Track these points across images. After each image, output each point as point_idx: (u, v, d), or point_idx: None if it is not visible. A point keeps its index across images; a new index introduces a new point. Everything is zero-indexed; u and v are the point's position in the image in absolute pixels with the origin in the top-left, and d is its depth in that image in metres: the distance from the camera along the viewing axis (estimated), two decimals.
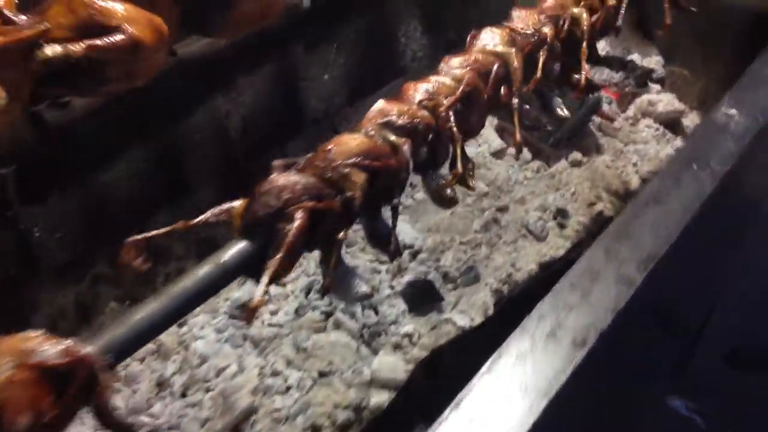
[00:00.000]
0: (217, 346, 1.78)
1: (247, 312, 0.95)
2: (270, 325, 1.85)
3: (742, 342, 2.62)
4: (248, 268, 1.07)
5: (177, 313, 0.96)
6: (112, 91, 1.46)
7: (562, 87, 1.82)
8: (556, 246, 2.14)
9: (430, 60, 2.87)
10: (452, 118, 1.26)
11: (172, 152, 2.14)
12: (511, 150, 2.39)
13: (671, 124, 2.49)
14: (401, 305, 1.90)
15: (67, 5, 1.25)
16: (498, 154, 2.38)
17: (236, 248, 1.04)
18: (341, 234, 1.12)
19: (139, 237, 1.02)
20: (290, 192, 1.04)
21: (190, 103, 2.19)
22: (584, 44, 1.53)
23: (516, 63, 1.38)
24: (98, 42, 1.26)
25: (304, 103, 2.48)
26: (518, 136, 1.36)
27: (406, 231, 2.08)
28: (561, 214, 2.21)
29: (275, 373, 1.73)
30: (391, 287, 1.96)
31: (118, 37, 1.31)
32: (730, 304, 2.59)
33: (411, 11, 2.80)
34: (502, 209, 2.22)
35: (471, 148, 2.35)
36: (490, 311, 1.95)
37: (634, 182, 2.33)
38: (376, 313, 1.87)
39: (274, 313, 1.88)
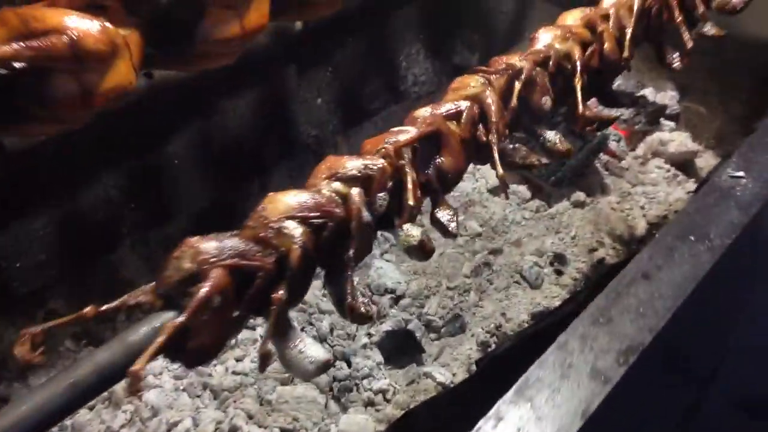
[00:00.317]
0: (173, 395, 1.64)
1: (130, 379, 0.81)
2: (234, 372, 1.72)
3: (752, 389, 2.48)
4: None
5: (70, 407, 0.83)
6: (67, 116, 1.34)
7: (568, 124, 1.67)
8: (551, 295, 1.98)
9: (434, 85, 2.73)
10: (407, 159, 1.12)
11: (144, 180, 2.02)
12: (511, 187, 2.24)
13: (684, 164, 2.33)
14: (377, 357, 1.76)
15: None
16: (495, 191, 2.23)
17: (149, 324, 0.90)
18: (279, 293, 0.99)
19: (36, 329, 0.89)
20: (208, 254, 0.91)
21: (166, 128, 2.06)
22: (576, 78, 1.38)
23: (490, 100, 1.24)
24: (33, 43, 1.14)
25: (293, 130, 2.35)
26: (499, 170, 1.22)
27: (389, 274, 1.94)
28: (559, 260, 2.06)
29: (233, 430, 1.59)
30: (369, 335, 1.81)
31: (55, 38, 1.19)
32: (740, 351, 2.44)
33: (413, 33, 2.66)
34: (496, 252, 2.07)
35: (467, 184, 2.21)
36: (477, 362, 1.80)
37: (641, 227, 2.17)
38: (349, 365, 1.73)
39: (239, 359, 1.75)
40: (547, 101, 1.38)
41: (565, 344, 0.94)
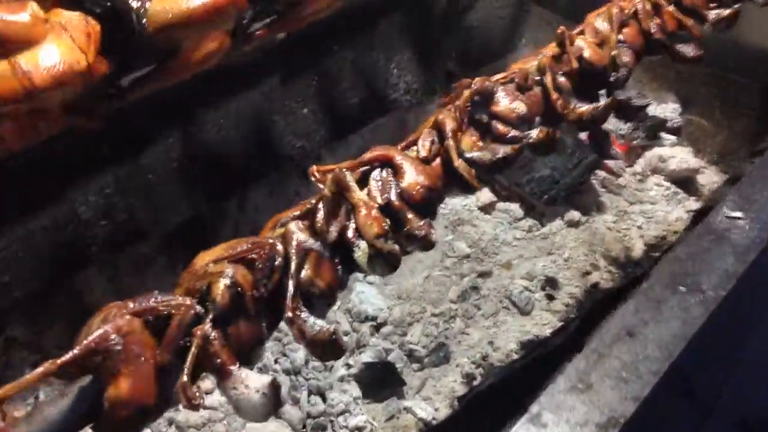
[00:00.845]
0: None
1: None
2: (203, 407, 1.62)
3: (752, 412, 2.38)
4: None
5: None
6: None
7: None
8: (542, 322, 1.88)
9: (427, 93, 2.63)
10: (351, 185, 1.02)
11: (116, 196, 1.91)
12: (502, 205, 2.14)
13: (684, 182, 2.22)
14: (354, 390, 1.66)
15: None
16: (486, 209, 2.13)
17: (69, 394, 0.81)
18: (202, 328, 0.90)
19: None
20: (118, 308, 0.83)
21: (140, 139, 1.96)
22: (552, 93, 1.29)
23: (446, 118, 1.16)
24: None
25: (275, 142, 2.24)
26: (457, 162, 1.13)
27: (371, 299, 1.84)
28: (550, 284, 1.95)
29: None
30: (347, 366, 1.72)
31: None
32: (742, 374, 2.33)
33: (403, 40, 2.55)
34: (485, 275, 1.97)
35: (457, 200, 2.11)
36: (459, 399, 1.70)
37: (638, 248, 2.06)
38: (324, 399, 1.63)
39: (209, 392, 1.65)
40: (519, 106, 1.27)
41: (538, 416, 0.84)
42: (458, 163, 1.11)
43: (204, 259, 0.96)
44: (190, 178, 2.02)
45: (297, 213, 1.04)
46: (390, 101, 2.50)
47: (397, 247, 1.02)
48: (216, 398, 1.64)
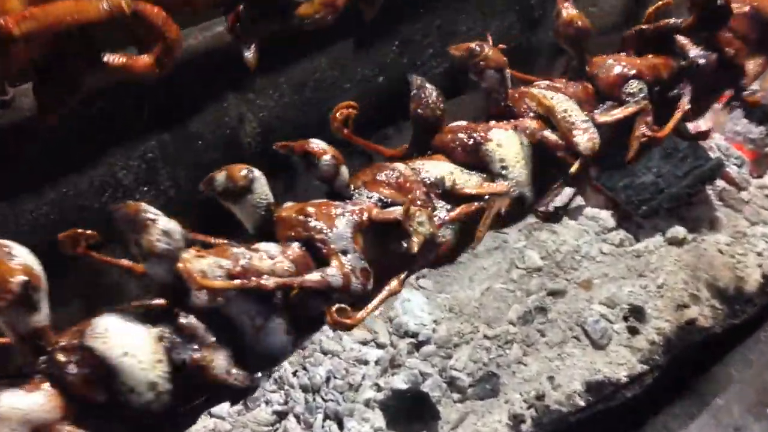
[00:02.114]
0: None
1: None
2: (210, 414, 1.45)
3: None
4: None
5: None
6: None
7: None
8: (618, 360, 1.58)
9: (526, 64, 2.31)
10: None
11: (157, 161, 1.75)
12: (591, 210, 1.82)
13: None
14: (378, 420, 1.44)
15: None
16: (571, 213, 1.82)
17: None
18: None
19: None
20: None
21: (190, 103, 1.78)
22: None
23: None
24: None
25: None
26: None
27: (415, 310, 1.60)
28: (636, 315, 1.64)
29: None
30: (376, 387, 1.49)
31: None
32: None
33: (505, 3, 2.25)
34: (556, 294, 1.68)
35: None
36: None
37: (753, 281, 1.70)
38: (341, 427, 1.42)
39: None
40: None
41: None
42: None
43: None
44: (239, 148, 1.83)
45: None
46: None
47: None
48: (224, 406, 1.46)
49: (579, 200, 1.81)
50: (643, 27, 1.46)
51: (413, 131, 1.16)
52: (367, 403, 1.46)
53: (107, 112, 1.64)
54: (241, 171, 0.85)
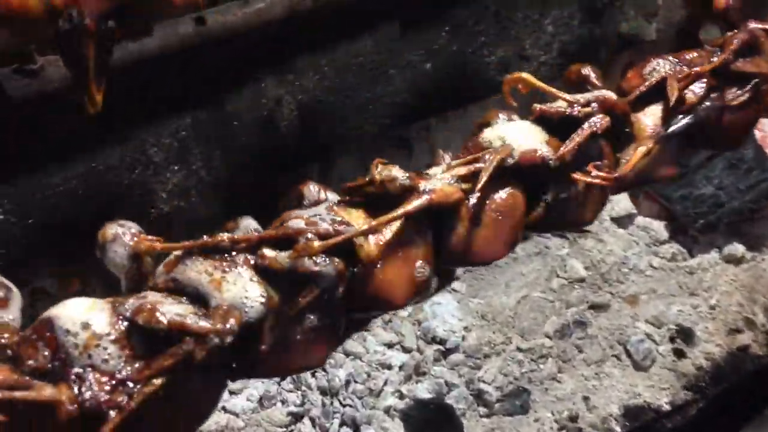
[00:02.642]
0: None
1: None
2: (224, 409, 1.39)
3: None
4: None
5: None
6: None
7: None
8: (660, 385, 1.47)
9: (586, 59, 2.17)
10: None
11: (189, 140, 1.69)
12: (643, 220, 1.70)
13: None
14: (397, 430, 1.36)
15: None
16: (622, 221, 1.70)
17: None
18: None
19: None
20: None
21: (227, 81, 1.71)
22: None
23: None
24: None
25: (383, 100, 1.91)
26: None
27: (446, 315, 1.51)
28: (684, 336, 1.53)
29: None
30: (398, 395, 1.41)
31: None
32: None
33: None
34: (599, 308, 1.57)
35: None
36: None
37: None
38: None
39: (235, 393, 1.42)
40: None
41: None
42: None
43: None
44: (275, 131, 1.75)
45: None
46: (535, 65, 2.08)
47: None
48: (241, 402, 1.40)
49: (630, 207, 1.70)
50: None
51: None
52: (387, 411, 1.38)
53: (141, 85, 1.58)
54: None
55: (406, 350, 1.48)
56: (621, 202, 1.69)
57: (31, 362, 0.68)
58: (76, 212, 1.58)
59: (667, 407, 1.42)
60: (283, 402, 1.39)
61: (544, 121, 0.95)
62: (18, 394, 0.64)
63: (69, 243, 1.58)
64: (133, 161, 1.62)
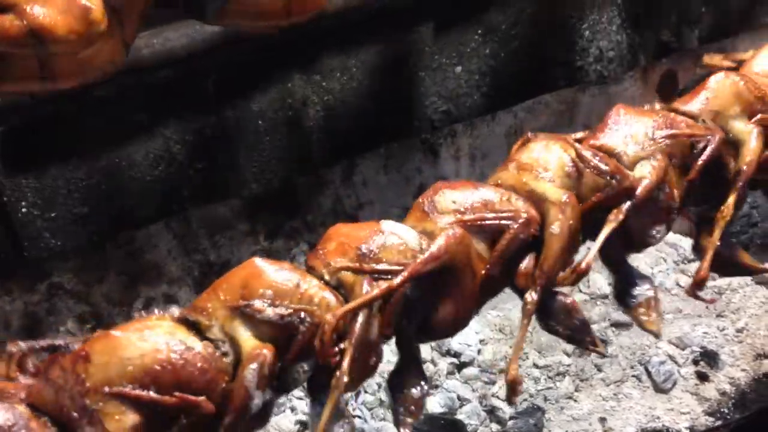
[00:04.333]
0: None
1: None
2: None
3: None
4: None
5: None
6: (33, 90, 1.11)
7: None
8: (681, 409, 1.43)
9: (627, 65, 2.12)
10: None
11: (217, 138, 1.69)
12: (671, 237, 1.65)
13: None
14: None
15: None
16: None
17: None
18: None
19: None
20: None
21: (253, 81, 1.71)
22: None
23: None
24: None
25: (415, 102, 1.88)
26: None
27: None
28: (708, 359, 1.48)
29: None
30: None
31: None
32: None
33: None
34: (620, 326, 1.53)
35: None
36: None
37: None
38: None
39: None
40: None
41: None
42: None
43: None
44: (301, 132, 1.74)
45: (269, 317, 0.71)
46: (570, 71, 2.03)
47: None
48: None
49: None
50: None
51: None
52: (397, 423, 1.36)
53: (167, 83, 1.58)
54: None
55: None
56: None
57: None
58: (99, 207, 1.60)
59: (686, 431, 1.37)
60: (293, 410, 1.38)
61: None
62: None
63: (90, 238, 1.60)
64: (156, 158, 1.63)
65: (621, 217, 0.89)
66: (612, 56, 2.08)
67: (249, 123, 1.69)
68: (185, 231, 1.64)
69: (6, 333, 1.50)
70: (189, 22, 1.46)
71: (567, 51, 2.00)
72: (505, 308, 1.54)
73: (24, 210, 1.54)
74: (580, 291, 1.57)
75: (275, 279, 0.70)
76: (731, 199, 1.02)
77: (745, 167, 1.03)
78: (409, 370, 0.82)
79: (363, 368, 0.75)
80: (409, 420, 0.78)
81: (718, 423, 1.39)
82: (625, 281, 1.00)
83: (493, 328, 1.51)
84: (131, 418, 0.60)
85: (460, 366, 1.45)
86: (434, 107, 1.87)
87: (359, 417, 1.36)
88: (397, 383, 0.83)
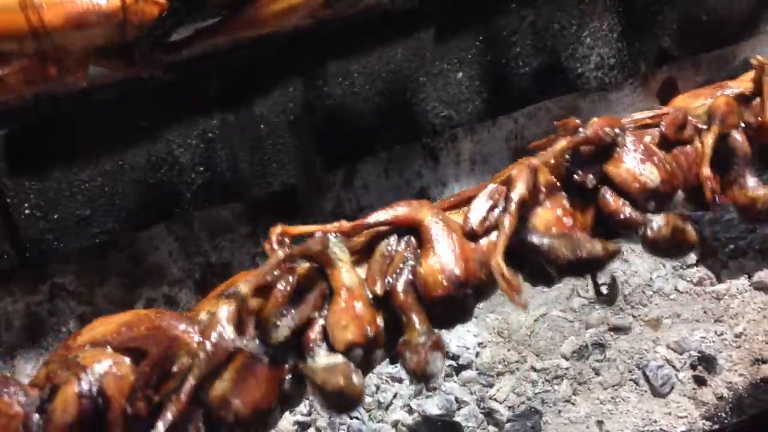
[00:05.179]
0: None
1: None
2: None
3: None
4: None
5: None
6: None
7: None
8: (678, 413, 1.43)
9: (625, 73, 2.13)
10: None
11: (216, 142, 1.70)
12: None
13: None
14: None
15: None
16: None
17: None
18: None
19: None
20: None
21: (255, 85, 1.72)
22: None
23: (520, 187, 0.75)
24: None
25: (416, 107, 1.90)
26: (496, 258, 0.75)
27: (460, 329, 1.49)
28: (706, 364, 1.48)
29: None
30: (408, 409, 1.40)
31: None
32: None
33: (608, 2, 2.07)
34: (619, 330, 1.53)
35: None
36: None
37: None
38: None
39: None
40: (650, 173, 0.84)
41: None
42: (495, 262, 0.73)
43: (93, 329, 0.68)
44: (302, 136, 1.75)
45: (252, 281, 0.72)
46: (571, 77, 2.04)
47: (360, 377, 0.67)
48: None
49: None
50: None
51: None
52: (395, 425, 1.37)
53: (170, 86, 1.60)
54: None
55: None
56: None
57: None
58: (102, 209, 1.61)
59: None
60: (291, 411, 1.39)
61: None
62: None
63: (92, 240, 1.61)
64: (159, 161, 1.64)
65: None
66: (613, 63, 2.09)
67: (251, 127, 1.70)
68: (187, 233, 1.65)
69: (8, 333, 1.51)
70: (189, 26, 1.48)
71: (568, 58, 2.02)
72: (504, 311, 1.55)
73: (27, 212, 1.55)
74: (579, 295, 1.57)
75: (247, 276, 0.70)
76: None
77: None
78: None
79: None
80: None
81: (715, 427, 1.39)
82: None
83: (492, 332, 1.51)
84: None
85: (458, 369, 1.45)
86: (435, 112, 1.88)
87: (357, 418, 1.36)
88: None
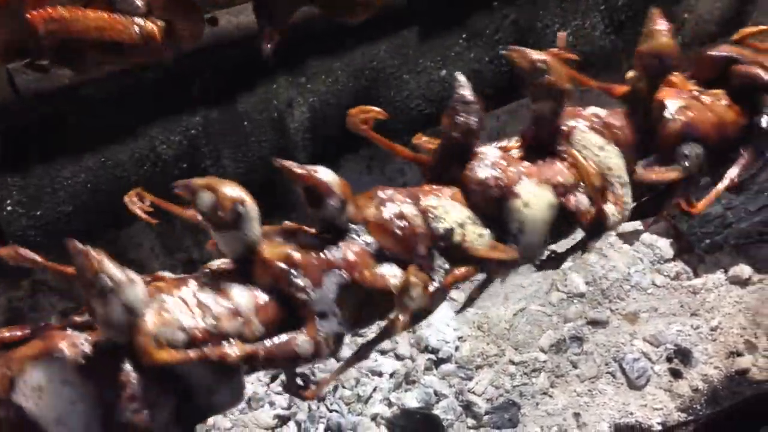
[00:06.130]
0: None
1: None
2: None
3: None
4: None
5: None
6: None
7: None
8: (653, 404, 1.45)
9: (607, 70, 2.16)
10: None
11: (199, 138, 1.71)
12: (649, 237, 1.67)
13: None
14: None
15: None
16: (627, 237, 1.68)
17: None
18: None
19: None
20: None
21: (237, 84, 1.73)
22: None
23: None
24: None
25: (395, 105, 1.92)
26: None
27: (440, 325, 1.51)
28: (681, 357, 1.50)
29: None
30: (387, 402, 1.42)
31: None
32: None
33: (590, 1, 2.09)
34: (597, 324, 1.55)
35: None
36: None
37: None
38: None
39: None
40: None
41: None
42: None
43: None
44: (285, 133, 1.77)
45: None
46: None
47: None
48: None
49: (637, 224, 1.67)
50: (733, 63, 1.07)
51: (440, 149, 0.92)
52: (374, 418, 1.38)
53: (154, 83, 1.60)
54: (232, 203, 0.68)
55: (399, 357, 1.48)
56: None
57: None
58: (84, 205, 1.62)
59: (658, 427, 1.40)
60: (271, 404, 1.40)
61: None
62: None
63: (74, 236, 1.62)
64: (142, 158, 1.65)
65: None
66: (594, 61, 2.11)
67: (234, 124, 1.72)
68: (168, 230, 1.66)
69: None
70: None
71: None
72: (484, 306, 1.56)
73: (9, 208, 1.56)
74: (558, 290, 1.59)
75: None
76: None
77: None
78: None
79: None
80: None
81: (690, 419, 1.41)
82: None
83: (472, 326, 1.53)
84: None
85: (438, 362, 1.47)
86: (419, 109, 1.90)
87: (336, 411, 1.38)
88: None
